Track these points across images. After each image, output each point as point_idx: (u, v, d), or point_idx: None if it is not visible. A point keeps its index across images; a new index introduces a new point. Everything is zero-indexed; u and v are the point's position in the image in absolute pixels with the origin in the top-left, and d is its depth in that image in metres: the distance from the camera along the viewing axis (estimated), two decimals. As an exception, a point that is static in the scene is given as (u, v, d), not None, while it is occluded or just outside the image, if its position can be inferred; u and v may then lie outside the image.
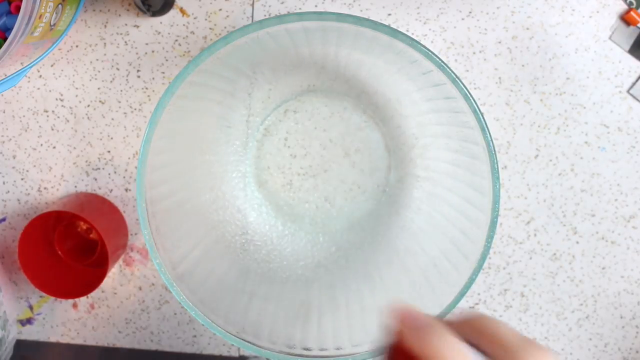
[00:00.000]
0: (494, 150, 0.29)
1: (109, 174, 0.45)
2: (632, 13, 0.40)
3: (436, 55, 0.28)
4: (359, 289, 0.38)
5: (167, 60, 0.43)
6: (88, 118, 0.44)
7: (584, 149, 0.43)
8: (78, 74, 0.43)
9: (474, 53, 0.42)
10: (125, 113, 0.44)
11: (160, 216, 0.32)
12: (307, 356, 0.31)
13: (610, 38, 0.41)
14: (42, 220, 0.44)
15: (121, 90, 0.43)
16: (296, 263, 0.42)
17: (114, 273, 0.47)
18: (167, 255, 0.31)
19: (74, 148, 0.45)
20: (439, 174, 0.39)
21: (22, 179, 0.46)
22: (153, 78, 0.43)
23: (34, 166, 0.45)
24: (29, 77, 0.44)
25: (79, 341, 0.48)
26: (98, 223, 0.42)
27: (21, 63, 0.39)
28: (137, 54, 0.43)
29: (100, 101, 0.44)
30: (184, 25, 0.42)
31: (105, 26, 0.42)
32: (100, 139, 0.44)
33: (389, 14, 0.42)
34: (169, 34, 0.42)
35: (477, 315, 0.22)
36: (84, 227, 0.47)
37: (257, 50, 0.34)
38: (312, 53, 0.38)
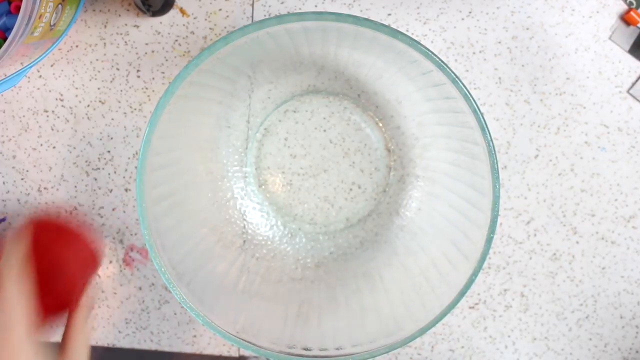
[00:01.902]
0: (494, 150, 0.29)
1: (109, 174, 0.45)
2: (632, 13, 0.40)
3: (436, 55, 0.28)
4: (359, 289, 0.38)
5: (167, 60, 0.43)
6: (88, 118, 0.44)
7: (584, 149, 0.43)
8: (78, 74, 0.43)
9: (473, 53, 0.42)
10: (125, 113, 0.44)
11: (160, 216, 0.32)
12: (307, 356, 0.31)
13: (610, 38, 0.41)
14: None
15: (121, 90, 0.43)
16: (296, 263, 0.42)
17: (114, 273, 0.47)
18: (167, 255, 0.31)
19: (74, 148, 0.45)
20: (439, 174, 0.39)
21: (22, 179, 0.46)
22: (153, 78, 0.43)
23: (34, 166, 0.45)
24: (29, 77, 0.44)
25: (79, 341, 0.48)
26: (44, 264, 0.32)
27: (21, 63, 0.39)
28: (137, 54, 0.43)
29: (100, 101, 0.44)
30: (184, 25, 0.42)
31: (105, 26, 0.42)
32: (100, 139, 0.44)
33: (389, 14, 0.42)
34: (169, 34, 0.42)
35: None
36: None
37: (257, 50, 0.34)
38: (312, 53, 0.38)
